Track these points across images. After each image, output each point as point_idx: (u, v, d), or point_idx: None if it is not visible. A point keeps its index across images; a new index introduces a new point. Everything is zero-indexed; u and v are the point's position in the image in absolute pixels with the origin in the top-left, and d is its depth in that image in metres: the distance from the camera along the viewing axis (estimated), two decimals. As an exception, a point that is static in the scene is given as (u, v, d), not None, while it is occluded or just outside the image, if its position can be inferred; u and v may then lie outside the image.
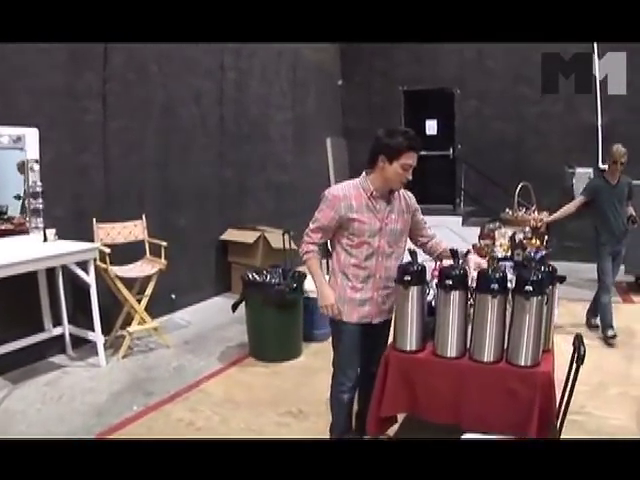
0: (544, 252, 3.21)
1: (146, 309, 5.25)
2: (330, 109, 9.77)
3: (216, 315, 6.14)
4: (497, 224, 6.21)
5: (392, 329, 3.08)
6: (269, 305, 4.89)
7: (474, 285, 2.84)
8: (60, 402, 4.13)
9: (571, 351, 2.62)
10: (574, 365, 2.52)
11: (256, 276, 5.25)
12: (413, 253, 2.96)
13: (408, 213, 3.15)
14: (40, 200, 4.63)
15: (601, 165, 8.70)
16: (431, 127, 9.71)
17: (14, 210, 4.59)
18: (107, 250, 4.85)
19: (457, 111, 9.50)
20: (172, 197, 6.25)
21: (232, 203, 7.23)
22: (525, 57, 8.69)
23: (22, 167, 4.57)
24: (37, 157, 4.61)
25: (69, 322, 4.98)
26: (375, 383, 2.99)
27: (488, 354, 2.76)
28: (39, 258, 4.34)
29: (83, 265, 4.68)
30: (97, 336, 4.79)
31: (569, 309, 6.13)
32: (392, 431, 3.44)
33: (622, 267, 7.36)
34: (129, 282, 5.20)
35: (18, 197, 4.60)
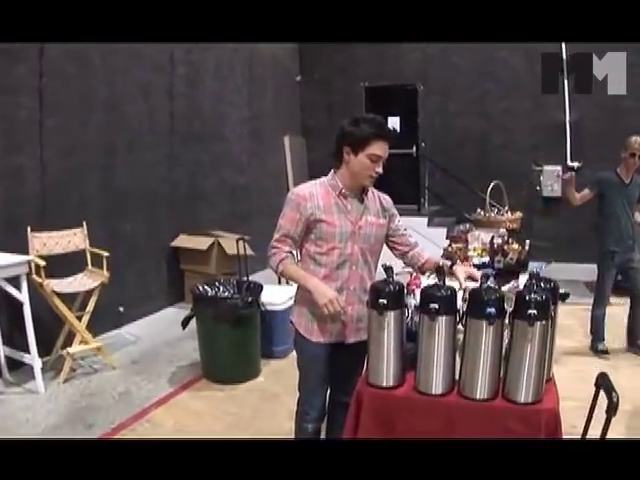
0: (545, 265, 2.79)
1: (91, 324, 4.79)
2: (288, 107, 9.31)
3: (167, 329, 5.65)
4: (467, 225, 5.89)
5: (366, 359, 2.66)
6: (222, 321, 4.43)
7: (463, 305, 2.44)
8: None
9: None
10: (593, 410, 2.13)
11: (207, 288, 4.79)
12: (388, 269, 2.53)
13: (385, 217, 2.76)
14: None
15: (569, 163, 8.53)
16: (393, 124, 9.32)
17: None
18: (42, 263, 4.35)
19: (420, 108, 9.12)
20: (117, 202, 5.74)
21: (184, 207, 6.73)
22: (491, 53, 8.42)
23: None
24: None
25: (4, 343, 4.49)
26: (346, 421, 2.56)
27: (481, 390, 2.32)
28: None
29: (15, 280, 4.18)
30: (33, 359, 4.29)
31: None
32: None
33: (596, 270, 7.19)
34: (69, 297, 4.69)
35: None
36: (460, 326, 2.41)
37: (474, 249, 4.79)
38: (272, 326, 4.91)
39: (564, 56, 8.29)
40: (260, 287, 4.78)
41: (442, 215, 8.82)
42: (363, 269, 2.70)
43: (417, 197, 9.22)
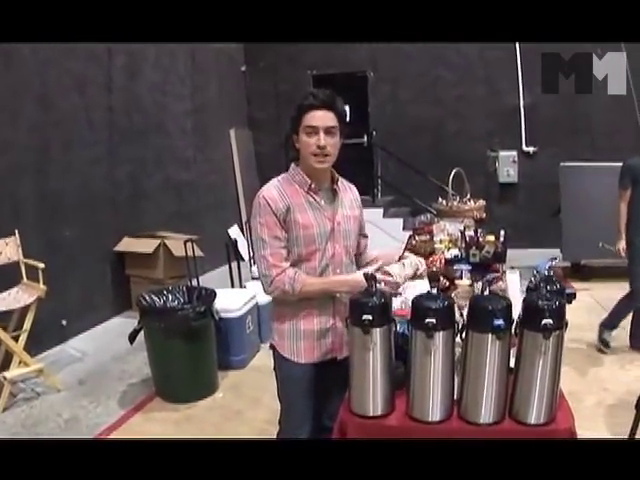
0: (552, 262, 2.45)
1: (31, 341, 4.36)
2: (233, 98, 8.92)
3: (115, 341, 5.20)
4: (429, 216, 5.62)
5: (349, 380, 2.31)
6: (173, 335, 4.02)
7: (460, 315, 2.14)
8: None
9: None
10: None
11: (155, 298, 4.36)
12: (371, 278, 2.20)
13: (358, 208, 2.46)
14: None
15: (525, 148, 8.44)
16: (343, 114, 9.05)
17: None
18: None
19: (371, 96, 8.93)
20: (53, 206, 5.24)
21: (127, 208, 6.28)
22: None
23: None
24: None
25: None
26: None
27: (486, 413, 1.99)
28: None
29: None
30: (-36, 386, 3.82)
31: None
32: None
33: (560, 254, 7.10)
34: (3, 315, 4.23)
35: None
36: (458, 339, 2.10)
37: (440, 241, 4.52)
38: (228, 335, 4.54)
39: (517, 45, 8.21)
40: (213, 294, 4.38)
41: (397, 205, 8.60)
42: (348, 271, 2.38)
43: (370, 188, 8.93)
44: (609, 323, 4.81)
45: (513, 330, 2.00)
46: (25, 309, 4.30)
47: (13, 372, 4.14)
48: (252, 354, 4.90)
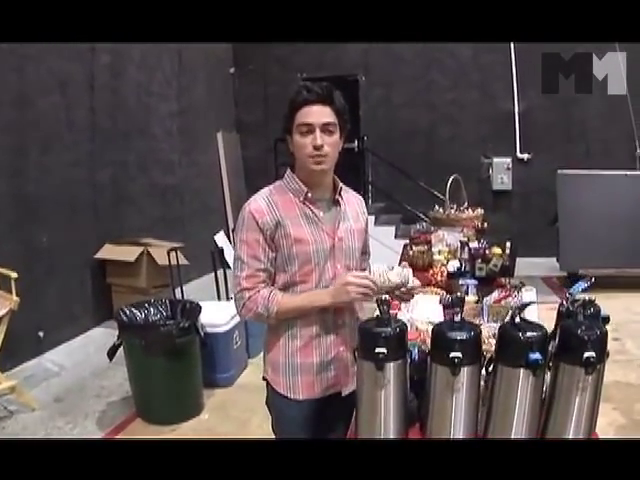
0: (588, 283, 2.17)
1: (6, 354, 4.04)
2: (221, 100, 8.65)
3: (95, 354, 4.93)
4: (424, 225, 5.41)
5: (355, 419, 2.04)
6: (155, 352, 3.75)
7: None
8: None
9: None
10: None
11: (135, 312, 4.09)
12: (383, 303, 1.94)
13: (364, 222, 2.17)
14: None
15: (519, 154, 8.29)
16: (334, 119, 8.85)
17: None
18: None
19: (362, 100, 8.69)
20: (30, 210, 4.93)
21: (109, 213, 5.98)
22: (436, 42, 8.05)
23: None
24: None
25: None
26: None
27: None
28: None
29: None
30: None
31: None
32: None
33: (557, 263, 6.94)
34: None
35: None
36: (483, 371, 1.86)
37: (439, 252, 4.28)
38: (214, 351, 4.27)
39: (512, 48, 8.07)
40: (198, 308, 4.10)
41: (388, 212, 8.38)
42: None
43: (361, 194, 8.72)
44: None
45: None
46: (-5, 323, 4.02)
47: (-17, 390, 3.87)
48: (239, 371, 4.65)
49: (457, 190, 5.27)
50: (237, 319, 4.56)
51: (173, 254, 5.33)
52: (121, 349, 3.95)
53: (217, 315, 4.39)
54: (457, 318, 1.81)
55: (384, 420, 1.83)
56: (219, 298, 5.41)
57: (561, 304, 1.97)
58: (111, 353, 3.94)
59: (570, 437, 1.72)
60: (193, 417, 3.93)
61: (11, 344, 4.11)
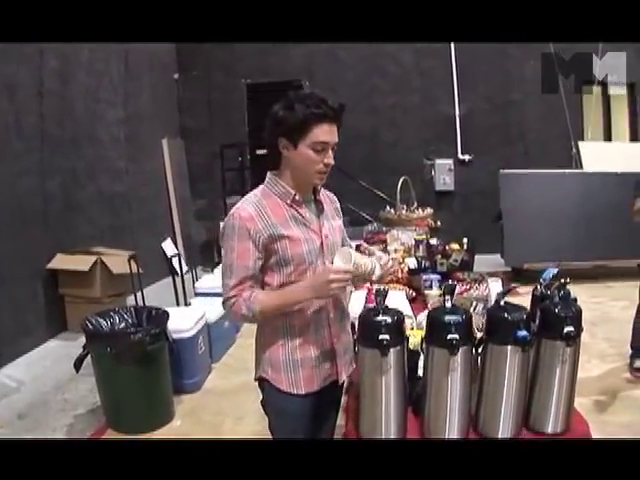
0: (556, 269, 2.38)
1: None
2: (166, 106, 8.56)
3: (54, 367, 4.81)
4: (375, 225, 5.53)
5: (356, 407, 2.08)
6: (125, 360, 3.66)
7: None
8: None
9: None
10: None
11: (101, 320, 3.99)
12: (382, 294, 2.02)
13: (340, 218, 2.25)
14: None
15: (460, 156, 8.54)
16: (278, 124, 8.88)
17: None
18: None
19: (307, 105, 8.75)
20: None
21: (59, 222, 5.80)
22: (378, 47, 8.25)
23: None
24: None
25: None
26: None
27: (505, 427, 1.91)
28: None
29: None
30: None
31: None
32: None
33: (501, 259, 7.17)
34: None
35: None
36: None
37: (395, 251, 4.41)
38: (181, 357, 4.21)
39: (452, 49, 8.29)
40: (166, 314, 4.05)
41: (335, 214, 8.49)
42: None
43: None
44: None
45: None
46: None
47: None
48: (205, 376, 4.63)
49: (406, 191, 5.42)
50: (201, 324, 4.55)
51: (131, 262, 5.25)
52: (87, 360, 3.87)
53: (181, 321, 4.35)
54: (448, 305, 1.94)
55: (385, 403, 1.93)
56: (178, 304, 5.35)
57: (535, 289, 2.23)
58: (78, 364, 3.84)
59: (554, 404, 1.93)
60: (165, 424, 3.87)
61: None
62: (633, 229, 4.76)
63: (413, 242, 4.40)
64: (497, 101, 8.23)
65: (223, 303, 2.04)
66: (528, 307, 2.06)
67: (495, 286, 3.09)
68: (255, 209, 1.98)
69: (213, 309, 4.85)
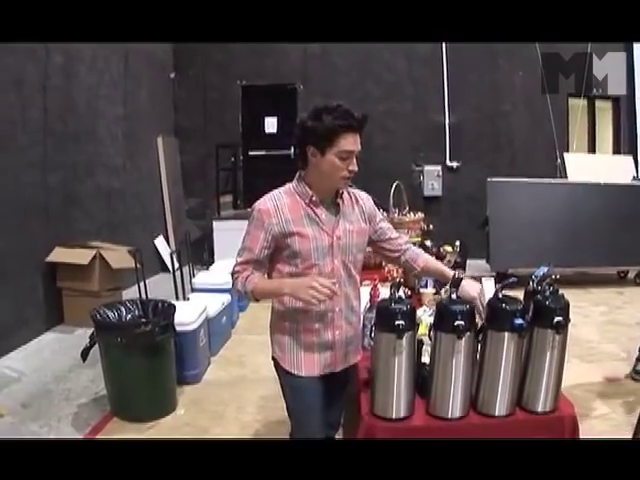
0: (547, 268, 2.65)
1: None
2: (162, 105, 8.67)
3: (53, 359, 4.91)
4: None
5: (369, 389, 2.28)
6: (135, 351, 3.81)
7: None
8: None
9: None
10: None
11: (109, 312, 4.11)
12: (396, 285, 2.22)
13: (365, 221, 2.39)
14: None
15: (449, 163, 8.74)
16: (271, 125, 9.01)
17: None
18: None
19: (300, 108, 8.86)
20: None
21: (59, 216, 5.90)
22: (372, 53, 8.43)
23: None
24: None
25: None
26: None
27: (501, 406, 2.19)
28: None
29: None
30: None
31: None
32: None
33: (486, 264, 7.36)
34: None
35: None
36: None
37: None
38: (183, 349, 4.35)
39: (444, 59, 8.49)
40: (172, 307, 4.19)
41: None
42: (347, 285, 2.33)
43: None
44: None
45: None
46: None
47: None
48: (205, 368, 4.76)
49: (398, 196, 5.60)
50: (203, 318, 4.68)
51: (130, 256, 5.38)
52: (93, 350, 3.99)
53: (184, 314, 4.47)
54: (454, 296, 2.22)
55: (397, 384, 2.17)
56: (177, 298, 5.47)
57: (527, 284, 2.49)
58: (84, 353, 3.97)
59: (544, 386, 2.20)
60: (169, 413, 4.00)
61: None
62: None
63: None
64: (485, 111, 8.46)
65: (231, 274, 2.34)
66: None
67: (488, 285, 3.28)
68: (273, 205, 2.22)
69: (211, 304, 5.00)
